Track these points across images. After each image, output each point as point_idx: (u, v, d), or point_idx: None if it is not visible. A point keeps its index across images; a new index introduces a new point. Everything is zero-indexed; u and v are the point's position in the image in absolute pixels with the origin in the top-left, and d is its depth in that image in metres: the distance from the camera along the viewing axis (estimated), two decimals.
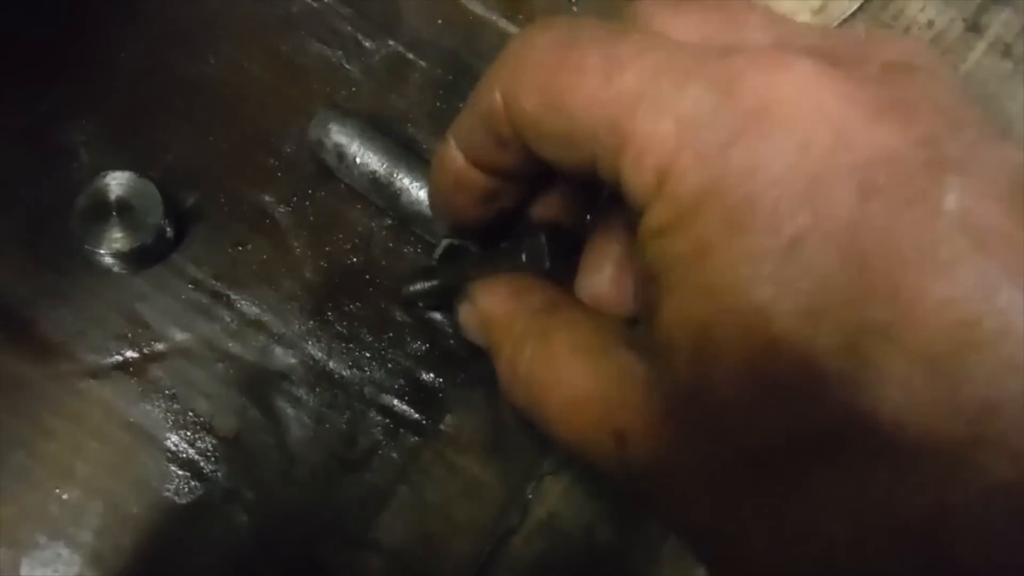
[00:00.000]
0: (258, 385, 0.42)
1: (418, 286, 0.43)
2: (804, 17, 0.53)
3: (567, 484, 0.44)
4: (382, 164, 0.42)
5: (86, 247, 0.41)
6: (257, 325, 0.43)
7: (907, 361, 0.19)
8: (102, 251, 0.41)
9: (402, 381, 0.43)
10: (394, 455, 0.42)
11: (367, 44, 0.49)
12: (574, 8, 0.52)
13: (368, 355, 0.44)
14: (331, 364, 0.43)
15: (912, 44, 0.26)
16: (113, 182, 0.42)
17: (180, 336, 0.42)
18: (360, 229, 0.45)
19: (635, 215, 0.25)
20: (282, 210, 0.45)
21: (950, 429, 0.18)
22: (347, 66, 0.48)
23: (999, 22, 0.55)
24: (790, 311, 0.20)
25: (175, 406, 0.41)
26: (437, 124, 0.48)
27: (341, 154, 0.43)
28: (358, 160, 0.43)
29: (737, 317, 0.21)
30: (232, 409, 0.42)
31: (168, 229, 0.43)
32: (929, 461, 0.18)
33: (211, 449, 0.41)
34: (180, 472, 0.41)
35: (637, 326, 0.31)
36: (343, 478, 0.42)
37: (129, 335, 0.42)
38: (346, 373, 0.43)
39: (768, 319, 0.21)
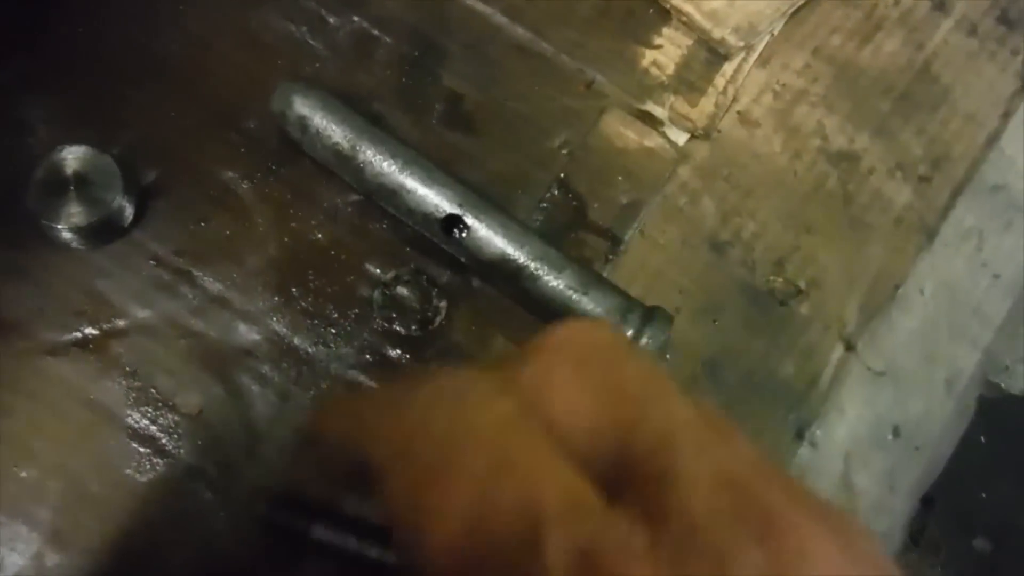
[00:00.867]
0: (222, 362, 0.42)
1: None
2: None
3: None
4: (346, 136, 0.42)
5: (43, 222, 0.40)
6: (221, 301, 0.43)
7: None
8: (59, 226, 0.40)
9: (368, 357, 0.43)
10: None
11: (332, 20, 0.48)
12: None
13: (334, 331, 0.43)
14: (296, 340, 0.43)
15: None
16: (70, 156, 0.41)
17: (141, 313, 0.42)
18: (325, 205, 0.45)
19: None
20: (245, 186, 0.45)
21: None
22: (312, 42, 0.48)
23: (965, 0, 0.55)
24: None
25: (136, 383, 0.41)
26: (403, 100, 0.48)
27: (304, 126, 0.42)
28: (321, 132, 0.42)
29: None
30: (195, 386, 0.41)
31: (127, 205, 0.42)
32: None
33: (173, 426, 0.41)
34: (142, 449, 0.40)
35: None
36: (309, 455, 0.41)
37: (89, 312, 0.41)
38: (311, 349, 0.43)
39: None
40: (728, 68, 0.52)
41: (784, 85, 0.52)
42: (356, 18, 0.49)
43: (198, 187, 0.44)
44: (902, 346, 0.49)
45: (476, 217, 0.42)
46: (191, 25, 0.47)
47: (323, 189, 0.45)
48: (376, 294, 0.44)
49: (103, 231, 0.42)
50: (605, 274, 0.47)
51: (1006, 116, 0.53)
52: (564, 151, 0.48)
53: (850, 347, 0.48)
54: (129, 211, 0.42)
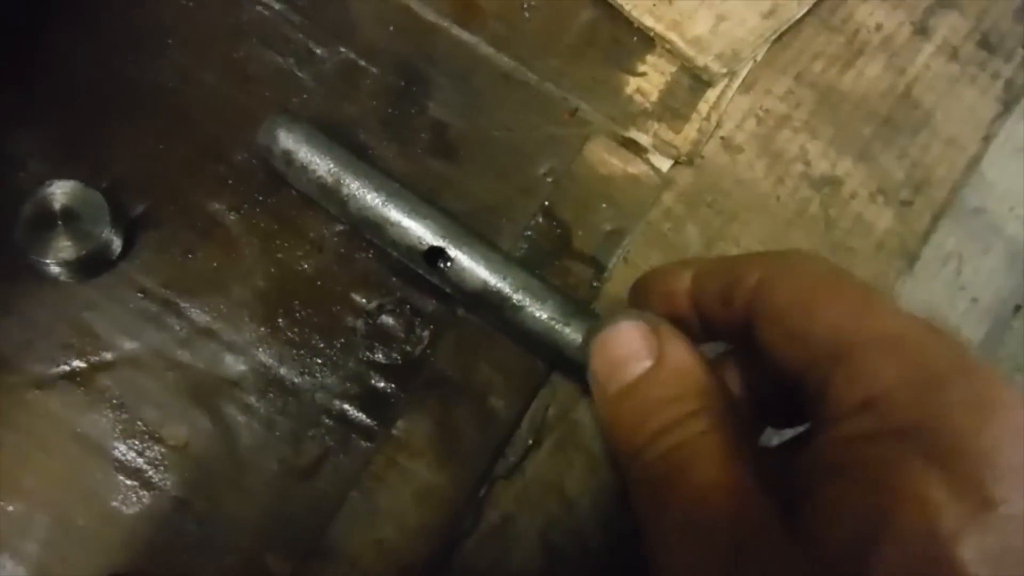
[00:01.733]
0: (208, 393, 0.42)
1: None
2: (754, 21, 0.53)
3: (520, 487, 0.44)
4: (330, 170, 0.42)
5: (32, 256, 0.41)
6: (207, 333, 0.43)
7: None
8: (48, 260, 0.41)
9: (354, 387, 0.43)
10: (346, 461, 0.42)
11: (318, 51, 0.49)
12: (526, 14, 0.52)
13: (320, 361, 0.44)
14: (282, 371, 0.43)
15: None
16: (58, 191, 0.41)
17: (129, 345, 0.42)
18: (311, 235, 0.45)
19: (820, 409, 0.29)
20: (232, 217, 0.45)
21: None
22: (299, 73, 0.48)
23: (946, 25, 0.56)
24: (977, 560, 0.24)
25: (123, 415, 0.41)
26: (389, 130, 0.48)
27: (289, 160, 0.43)
28: (306, 166, 0.43)
29: (916, 527, 0.25)
30: (182, 418, 0.41)
31: (115, 238, 0.43)
32: None
33: (160, 458, 0.41)
34: (128, 482, 0.41)
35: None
36: (295, 485, 0.42)
37: (76, 345, 0.42)
38: (297, 380, 0.43)
39: (951, 555, 0.24)
40: (711, 94, 0.52)
41: (767, 110, 0.53)
42: (343, 49, 0.49)
43: (185, 219, 0.45)
44: None
45: (459, 249, 0.42)
46: (177, 58, 0.47)
47: (309, 220, 0.45)
48: (360, 323, 0.44)
49: (91, 264, 0.42)
50: (592, 302, 0.47)
51: (986, 140, 0.53)
52: (549, 179, 0.49)
53: None
54: (117, 244, 0.43)
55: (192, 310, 0.43)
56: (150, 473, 0.41)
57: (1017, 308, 0.52)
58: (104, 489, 0.40)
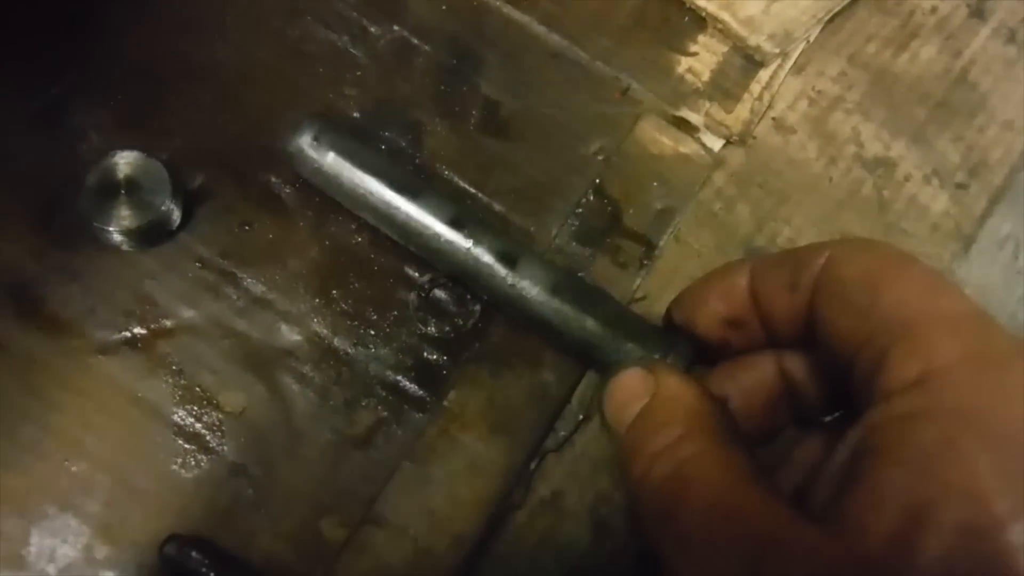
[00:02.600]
0: (264, 362, 0.43)
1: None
2: (807, 1, 0.53)
3: (571, 462, 0.44)
4: (353, 190, 0.43)
5: (95, 225, 0.42)
6: (263, 303, 0.44)
7: None
8: (111, 228, 0.42)
9: (407, 358, 0.44)
10: (398, 431, 0.43)
11: (372, 29, 0.49)
12: None
13: (373, 333, 0.44)
14: (336, 341, 0.44)
15: None
16: (122, 161, 0.42)
17: (187, 313, 0.43)
18: None
19: (873, 386, 0.29)
20: (288, 191, 0.46)
21: None
22: (353, 51, 0.49)
23: (1004, 8, 0.55)
24: None
25: (182, 381, 0.42)
26: (441, 107, 0.48)
27: (314, 179, 0.43)
28: (330, 187, 0.43)
29: (964, 513, 0.24)
30: (238, 385, 0.42)
31: (175, 208, 0.43)
32: None
33: (217, 424, 0.42)
34: (187, 446, 0.41)
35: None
36: (348, 454, 0.42)
37: (137, 312, 0.43)
38: (351, 350, 0.44)
39: (1000, 544, 0.24)
40: (764, 75, 0.52)
41: (820, 92, 0.52)
42: (396, 27, 0.50)
43: (242, 192, 0.45)
44: None
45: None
46: (233, 34, 0.48)
47: None
48: (413, 297, 0.44)
49: (152, 234, 0.43)
50: (639, 281, 0.47)
51: None
52: (599, 157, 0.49)
53: None
54: (177, 214, 0.43)
55: (248, 280, 0.44)
56: (208, 438, 0.41)
57: None
58: (163, 452, 0.41)
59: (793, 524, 0.27)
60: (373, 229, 0.45)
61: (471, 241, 0.41)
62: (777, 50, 0.51)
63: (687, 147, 0.50)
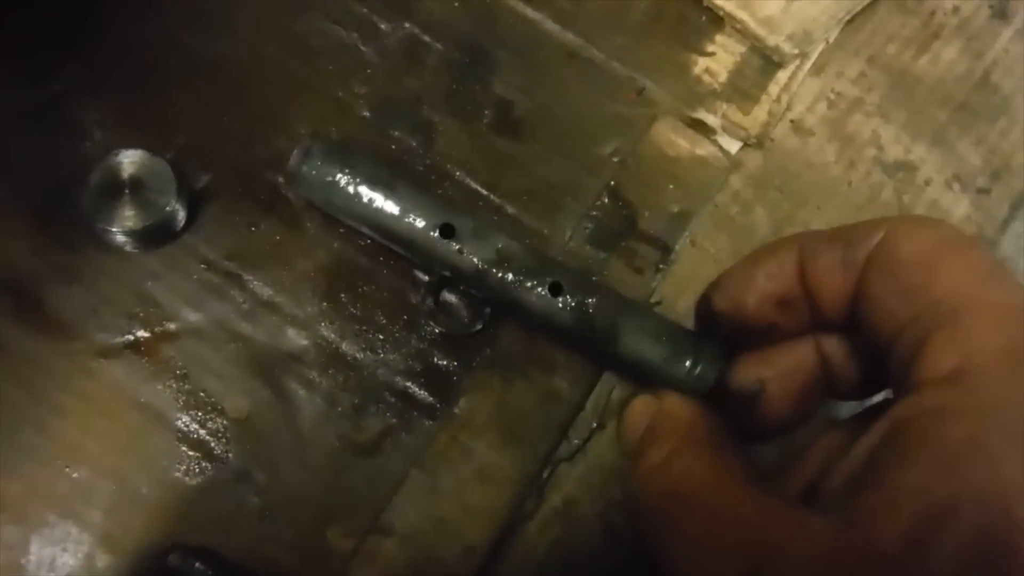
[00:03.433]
0: (270, 366, 0.42)
1: None
2: (827, 1, 0.51)
3: (583, 470, 0.43)
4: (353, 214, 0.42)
5: (98, 225, 0.40)
6: (269, 306, 0.43)
7: None
8: (114, 229, 0.41)
9: (416, 364, 0.43)
10: (407, 439, 0.42)
11: (382, 26, 0.48)
12: None
13: (382, 337, 0.43)
14: (344, 346, 0.43)
15: None
16: (126, 160, 0.41)
17: (192, 316, 0.42)
18: None
19: (909, 373, 0.28)
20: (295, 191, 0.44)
21: None
22: (362, 48, 0.48)
23: None
24: None
25: (186, 386, 0.41)
26: (453, 106, 0.47)
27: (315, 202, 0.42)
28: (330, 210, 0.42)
29: (983, 516, 0.23)
30: (243, 390, 0.41)
31: (180, 209, 0.42)
32: None
33: (222, 430, 0.41)
34: (190, 452, 0.40)
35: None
36: (355, 461, 0.41)
37: (140, 314, 0.42)
38: (359, 355, 0.42)
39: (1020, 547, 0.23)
40: (782, 76, 0.51)
41: (839, 94, 0.51)
42: (407, 24, 0.48)
43: (249, 191, 0.44)
44: None
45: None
46: (241, 29, 0.47)
47: None
48: (422, 300, 0.43)
49: (156, 235, 0.42)
50: (655, 285, 0.46)
51: None
52: (615, 158, 0.48)
53: None
54: (182, 215, 0.42)
55: (255, 283, 0.43)
56: (212, 444, 0.40)
57: None
58: (166, 459, 0.40)
59: (793, 519, 0.26)
60: None
61: (496, 259, 0.41)
62: (796, 51, 0.50)
63: (704, 149, 0.49)
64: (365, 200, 0.40)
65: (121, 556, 0.38)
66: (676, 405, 0.35)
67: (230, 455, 0.40)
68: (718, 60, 0.51)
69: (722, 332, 0.37)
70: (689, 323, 0.41)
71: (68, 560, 0.38)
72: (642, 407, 0.35)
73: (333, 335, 0.43)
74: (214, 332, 0.42)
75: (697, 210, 0.48)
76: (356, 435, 0.41)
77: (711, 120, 0.50)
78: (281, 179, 0.43)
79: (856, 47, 0.52)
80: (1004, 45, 0.53)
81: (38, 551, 0.38)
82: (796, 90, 0.51)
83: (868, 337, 0.31)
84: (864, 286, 0.31)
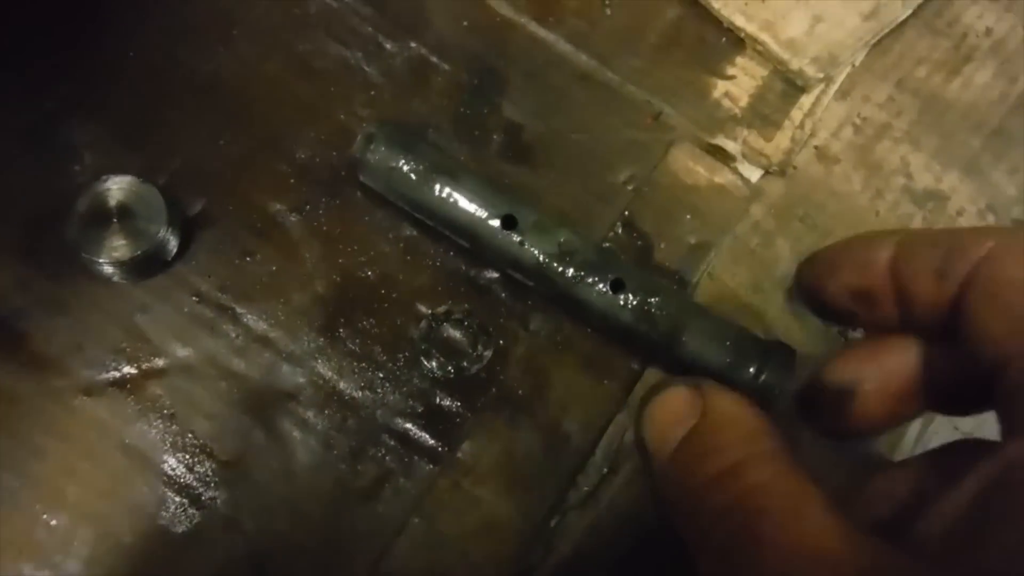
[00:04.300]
0: (263, 405, 0.40)
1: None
2: (853, 22, 0.49)
3: (594, 518, 0.41)
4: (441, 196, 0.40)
5: (84, 255, 0.39)
6: (264, 341, 0.40)
7: None
8: (101, 259, 0.39)
9: (417, 404, 0.40)
10: (407, 484, 0.39)
11: (388, 46, 0.46)
12: (607, 11, 0.49)
13: (381, 375, 0.41)
14: (341, 384, 0.40)
15: None
16: (114, 187, 0.39)
17: (181, 352, 0.40)
18: (376, 239, 0.43)
19: (1013, 411, 0.26)
20: (293, 219, 0.42)
21: None
22: (366, 68, 0.46)
23: None
24: None
25: (174, 427, 0.39)
26: (461, 130, 0.45)
27: (391, 173, 0.41)
28: (413, 181, 0.40)
29: None
30: (235, 431, 0.39)
31: (171, 237, 0.40)
32: None
33: (211, 474, 0.38)
34: (177, 498, 0.38)
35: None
36: (352, 508, 0.39)
37: (127, 349, 0.40)
38: (357, 394, 0.40)
39: None
40: (806, 100, 0.48)
41: (865, 119, 0.49)
42: (413, 44, 0.46)
43: (244, 219, 0.42)
44: None
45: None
46: (241, 48, 0.45)
47: (375, 223, 0.43)
48: (424, 335, 0.41)
49: (146, 265, 0.40)
50: None
51: None
52: (629, 187, 0.45)
53: None
54: (173, 244, 0.40)
55: (248, 316, 0.41)
56: (200, 489, 0.38)
57: None
58: (151, 505, 0.38)
59: (893, 563, 0.24)
60: (384, 260, 0.42)
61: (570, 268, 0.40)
62: (821, 74, 0.48)
63: (723, 177, 0.47)
64: (427, 188, 0.40)
65: None
66: (732, 406, 0.31)
67: (219, 501, 0.38)
68: (739, 84, 0.48)
69: (811, 308, 0.37)
70: None
71: None
72: (677, 402, 0.32)
73: (330, 372, 0.40)
74: (204, 369, 0.40)
75: (716, 242, 0.45)
76: (353, 480, 0.39)
77: (731, 146, 0.47)
78: (350, 164, 0.41)
79: (884, 70, 0.50)
80: None
81: None
82: (820, 115, 0.48)
83: (969, 354, 0.29)
84: (965, 303, 0.29)
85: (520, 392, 0.41)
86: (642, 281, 0.40)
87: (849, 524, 0.26)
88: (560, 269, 0.40)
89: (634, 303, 0.39)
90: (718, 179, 0.46)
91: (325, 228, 0.42)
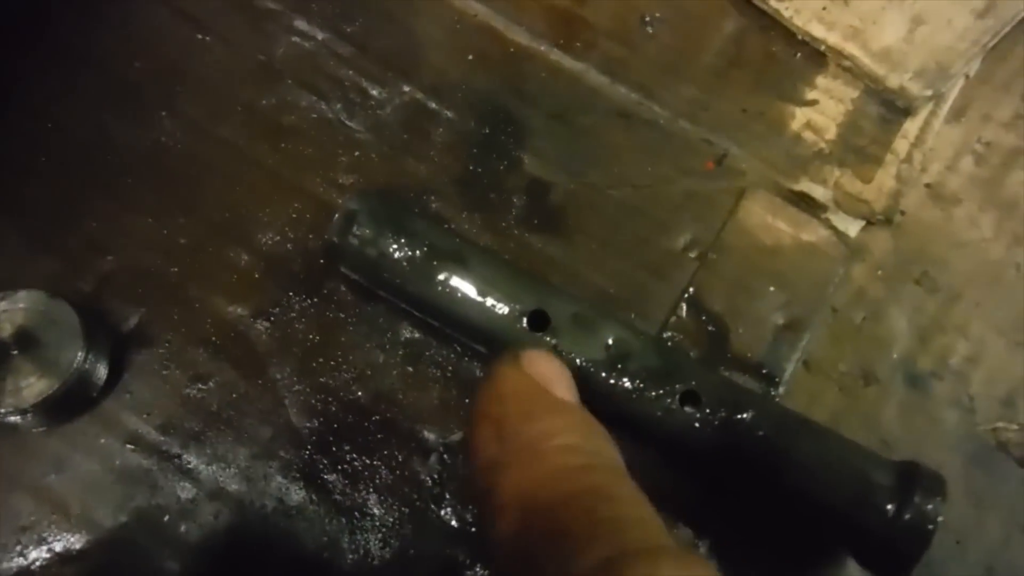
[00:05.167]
0: None
1: None
2: (963, 22, 0.39)
3: None
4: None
5: None
6: (221, 497, 0.32)
7: None
8: (1, 408, 0.29)
9: (428, 570, 0.31)
10: None
11: (375, 92, 0.38)
12: (648, 29, 0.39)
13: (379, 535, 0.31)
14: (327, 553, 0.31)
15: None
16: (11, 307, 0.30)
17: (111, 521, 0.31)
18: (367, 348, 0.34)
19: None
20: (259, 326, 0.34)
21: None
22: (348, 123, 0.38)
23: None
24: None
25: None
26: (470, 195, 0.37)
27: (380, 257, 0.32)
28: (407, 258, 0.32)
29: None
30: None
31: (97, 365, 0.32)
32: None
33: None
34: None
35: None
36: None
37: (37, 525, 0.31)
38: (348, 563, 0.31)
39: None
40: (911, 126, 0.40)
41: (988, 144, 0.40)
42: (407, 88, 0.38)
43: (195, 332, 0.34)
44: None
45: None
46: (187, 108, 0.37)
47: (364, 326, 0.34)
48: (433, 466, 0.31)
49: (63, 406, 0.31)
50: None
51: None
52: (691, 254, 0.36)
53: None
54: (100, 373, 0.32)
55: (200, 465, 0.32)
56: None
57: None
58: None
59: None
60: (379, 375, 0.33)
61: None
62: (928, 92, 0.40)
63: (812, 233, 0.37)
64: (428, 279, 0.32)
65: None
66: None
67: None
68: (823, 110, 0.39)
69: None
70: None
71: None
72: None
73: (310, 538, 0.31)
74: (142, 542, 0.31)
75: (809, 319, 0.36)
76: None
77: (819, 193, 0.38)
78: (328, 251, 0.33)
79: (1005, 80, 0.41)
80: None
81: None
82: (931, 143, 0.39)
83: None
84: None
85: None
86: (722, 389, 0.31)
87: None
88: (611, 381, 0.31)
89: (715, 423, 0.30)
90: (806, 236, 0.37)
91: (300, 336, 0.34)
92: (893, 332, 0.36)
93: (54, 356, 0.30)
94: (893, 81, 0.39)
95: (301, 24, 0.38)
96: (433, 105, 0.38)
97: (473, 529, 0.31)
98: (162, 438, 0.32)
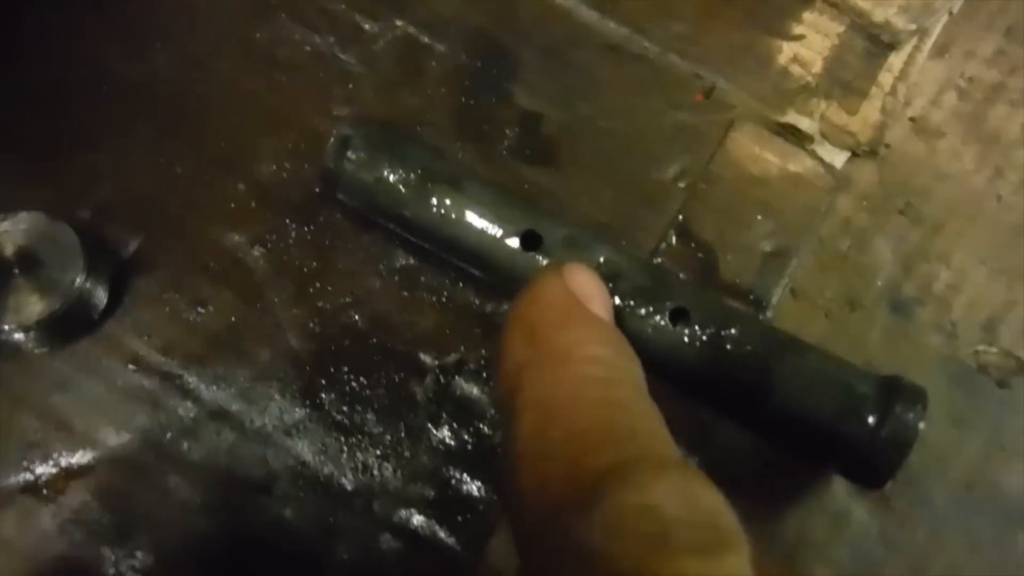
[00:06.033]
0: (225, 505, 0.31)
1: None
2: None
3: None
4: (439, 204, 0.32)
5: None
6: (222, 417, 0.33)
7: None
8: (4, 326, 0.30)
9: (427, 489, 0.32)
10: None
11: (367, 26, 0.39)
12: None
13: (378, 452, 0.32)
14: (327, 468, 0.32)
15: None
16: (12, 228, 0.30)
17: (114, 439, 0.32)
18: (364, 273, 0.35)
19: None
20: (257, 252, 0.35)
21: None
22: (342, 56, 0.39)
23: None
24: None
25: (103, 547, 0.30)
26: (464, 127, 0.38)
27: (375, 182, 0.32)
28: (401, 183, 0.32)
29: None
30: (188, 544, 0.31)
31: (97, 288, 0.33)
32: None
33: None
34: None
35: None
36: None
37: (42, 441, 0.32)
38: (347, 480, 0.32)
39: None
40: (896, 61, 0.40)
41: (972, 79, 0.41)
42: (399, 22, 0.39)
43: (193, 258, 0.35)
44: None
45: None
46: (182, 42, 0.38)
47: (360, 252, 0.35)
48: (431, 393, 0.32)
49: (64, 326, 0.32)
50: None
51: None
52: (681, 184, 0.37)
53: None
54: (100, 296, 0.33)
55: (201, 385, 0.33)
56: None
57: None
58: None
59: None
60: (375, 300, 0.33)
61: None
62: (912, 26, 0.41)
63: (799, 164, 0.39)
64: (423, 202, 0.32)
65: None
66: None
67: None
68: (810, 44, 0.40)
69: None
70: None
71: None
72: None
73: (311, 453, 0.32)
74: (145, 460, 0.32)
75: (796, 247, 0.37)
76: None
77: (806, 124, 0.39)
78: (324, 178, 0.33)
79: (989, 17, 0.42)
80: None
81: None
82: (916, 78, 0.40)
83: None
84: None
85: None
86: (711, 307, 0.32)
87: None
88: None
89: (703, 339, 0.30)
90: (793, 167, 0.38)
91: (297, 262, 0.35)
92: (878, 260, 0.37)
93: (56, 276, 0.31)
94: (878, 15, 0.40)
95: None
96: (426, 39, 0.38)
97: (469, 448, 0.32)
98: (163, 359, 0.32)
